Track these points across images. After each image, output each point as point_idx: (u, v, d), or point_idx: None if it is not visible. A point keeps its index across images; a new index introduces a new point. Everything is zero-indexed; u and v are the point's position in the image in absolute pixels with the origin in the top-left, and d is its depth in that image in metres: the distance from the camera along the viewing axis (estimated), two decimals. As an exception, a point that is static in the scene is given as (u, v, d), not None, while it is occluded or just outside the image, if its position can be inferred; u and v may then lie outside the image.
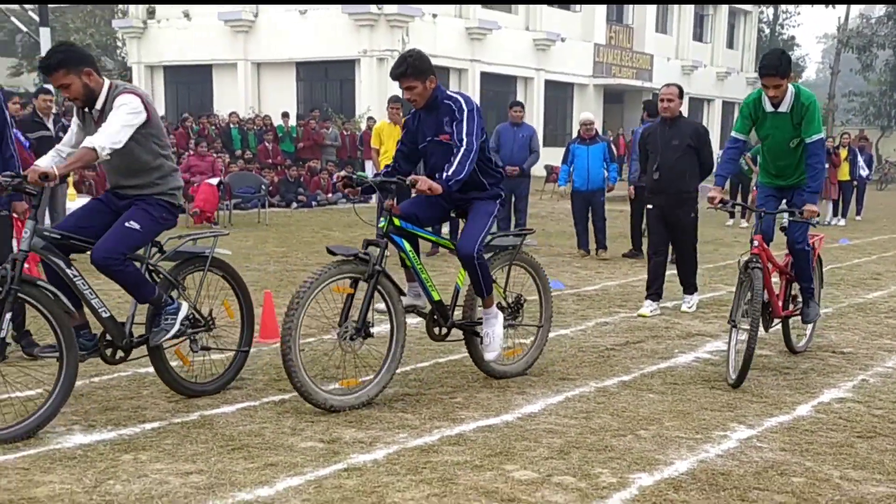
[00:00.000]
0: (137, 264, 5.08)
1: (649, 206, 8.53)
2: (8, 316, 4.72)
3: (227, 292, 5.73)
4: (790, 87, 6.26)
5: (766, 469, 4.38)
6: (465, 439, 4.74)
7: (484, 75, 30.69)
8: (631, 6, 37.94)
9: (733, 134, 6.70)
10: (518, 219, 12.82)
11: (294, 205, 19.10)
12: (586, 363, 6.48)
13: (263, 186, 16.24)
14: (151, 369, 5.39)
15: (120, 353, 5.12)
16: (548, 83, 33.59)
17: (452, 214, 5.97)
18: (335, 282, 5.16)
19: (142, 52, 30.17)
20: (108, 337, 5.04)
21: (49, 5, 22.33)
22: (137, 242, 5.05)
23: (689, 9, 41.22)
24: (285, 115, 23.02)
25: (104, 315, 4.96)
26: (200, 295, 5.44)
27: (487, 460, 4.42)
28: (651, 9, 38.59)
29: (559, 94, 34.72)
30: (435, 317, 5.75)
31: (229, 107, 25.70)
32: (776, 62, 6.10)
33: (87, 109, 5.04)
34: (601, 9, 35.64)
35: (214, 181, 14.52)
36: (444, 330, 5.79)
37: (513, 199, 12.74)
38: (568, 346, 7.03)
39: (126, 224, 4.97)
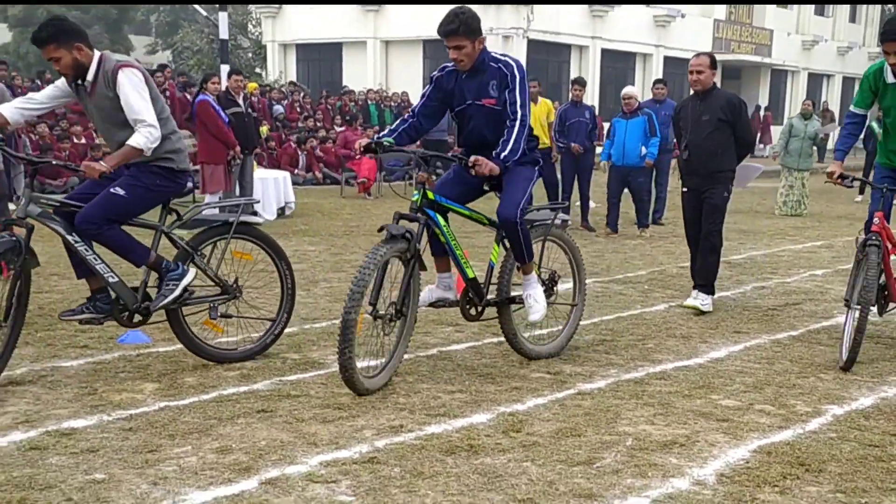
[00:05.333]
0: (150, 233, 5.18)
1: (684, 190, 7.63)
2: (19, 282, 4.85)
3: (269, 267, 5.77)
4: None
5: (942, 404, 5.06)
6: (668, 375, 5.53)
7: (604, 52, 31.12)
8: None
9: (851, 108, 6.40)
10: (659, 192, 13.45)
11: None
12: (754, 320, 7.17)
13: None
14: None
15: (137, 317, 5.17)
16: (666, 59, 33.77)
17: (486, 188, 5.58)
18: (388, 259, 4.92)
19: (276, 31, 31.56)
20: (121, 301, 5.10)
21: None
22: (122, 209, 4.97)
23: (812, -18, 40.67)
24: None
25: (111, 280, 5.02)
26: (221, 262, 5.47)
27: (694, 391, 5.20)
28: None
29: (677, 71, 34.73)
30: (469, 295, 5.51)
31: (358, 83, 26.84)
32: None
33: (79, 81, 5.01)
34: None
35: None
36: (479, 308, 5.56)
37: (654, 174, 13.41)
38: (732, 306, 7.72)
39: (111, 190, 4.95)
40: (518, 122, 5.12)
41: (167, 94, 16.07)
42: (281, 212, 12.96)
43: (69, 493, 3.56)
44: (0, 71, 14.19)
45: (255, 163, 12.24)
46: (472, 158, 5.07)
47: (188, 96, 16.29)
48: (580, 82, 12.69)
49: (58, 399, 4.74)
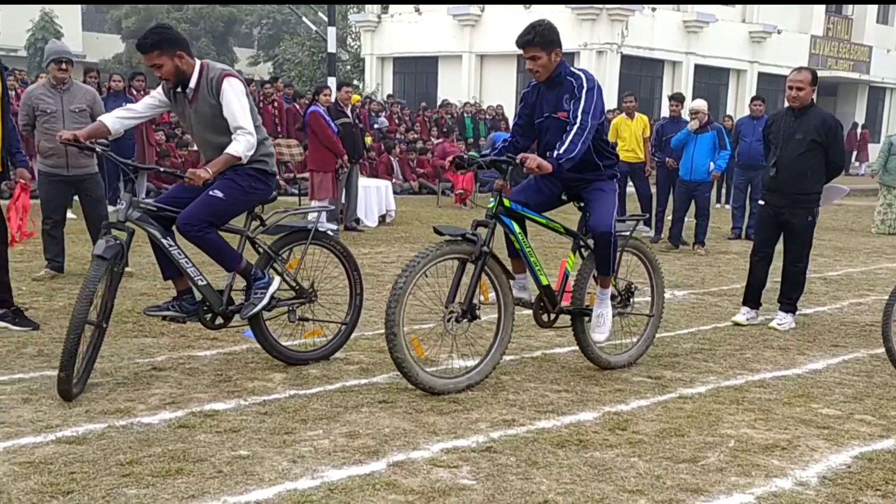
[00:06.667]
0: (236, 237, 5.32)
1: (761, 203, 7.61)
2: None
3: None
4: None
5: None
6: (767, 384, 5.69)
7: (697, 68, 30.99)
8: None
9: None
10: (753, 208, 13.47)
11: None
12: (851, 335, 7.25)
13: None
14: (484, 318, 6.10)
15: (219, 320, 5.33)
16: (761, 75, 33.43)
17: (564, 198, 5.63)
18: (442, 261, 5.09)
19: (374, 45, 32.33)
20: (207, 304, 5.26)
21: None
22: (221, 211, 5.13)
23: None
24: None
25: (200, 283, 5.15)
26: (301, 268, 5.63)
27: (794, 399, 5.36)
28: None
29: (771, 87, 34.40)
30: (542, 302, 5.59)
31: (452, 96, 27.31)
32: None
33: (178, 89, 5.18)
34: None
35: (471, 164, 15.97)
36: (552, 316, 5.65)
37: (749, 190, 13.47)
38: (829, 321, 7.81)
39: (210, 193, 5.08)
40: (577, 126, 5.11)
41: (275, 104, 16.68)
42: (382, 219, 13.38)
43: (219, 466, 3.94)
44: (138, 82, 14.77)
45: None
46: (521, 155, 5.11)
47: (297, 107, 16.90)
48: (678, 98, 12.83)
49: (197, 384, 5.17)
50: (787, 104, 7.39)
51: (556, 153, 5.09)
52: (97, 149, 5.13)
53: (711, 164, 11.53)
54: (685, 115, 12.44)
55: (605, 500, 3.80)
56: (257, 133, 5.27)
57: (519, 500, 3.75)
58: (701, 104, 11.74)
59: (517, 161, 5.09)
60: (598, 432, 4.62)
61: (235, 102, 5.07)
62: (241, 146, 5.04)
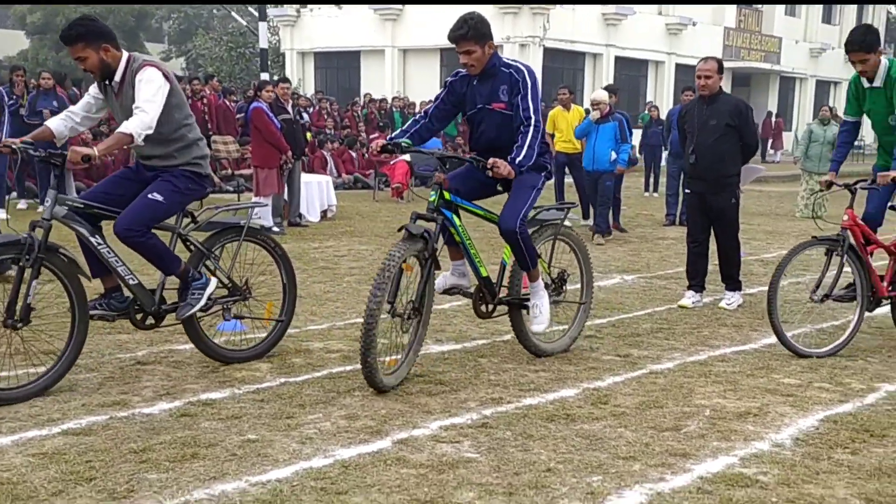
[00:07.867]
0: (167, 234, 5.18)
1: (687, 191, 7.89)
2: (34, 282, 4.70)
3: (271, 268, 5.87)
4: (883, 60, 6.34)
5: (985, 381, 5.53)
6: (728, 358, 6.00)
7: (618, 60, 31.68)
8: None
9: (843, 117, 6.85)
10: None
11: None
12: (796, 312, 7.57)
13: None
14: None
15: (150, 320, 5.19)
16: (678, 66, 34.32)
17: (500, 188, 5.52)
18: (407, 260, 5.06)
19: (294, 40, 32.16)
20: (138, 303, 5.12)
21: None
22: (160, 214, 5.03)
23: (819, -9, 41.25)
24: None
25: (131, 282, 5.01)
26: (235, 265, 5.59)
27: (756, 371, 5.68)
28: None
29: (688, 78, 35.25)
30: (481, 293, 5.61)
31: (376, 90, 27.35)
32: (860, 37, 6.25)
33: (106, 82, 5.04)
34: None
35: (407, 157, 15.98)
36: (491, 307, 5.67)
37: (682, 177, 13.88)
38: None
39: (149, 196, 4.96)
40: (532, 128, 5.15)
41: (204, 101, 16.54)
42: (324, 214, 13.43)
43: (232, 450, 4.04)
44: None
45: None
46: (490, 161, 5.07)
47: (227, 103, 16.77)
48: (612, 90, 13.16)
49: (186, 376, 5.24)
50: (697, 93, 7.67)
51: (517, 160, 5.11)
52: (13, 146, 4.86)
53: (613, 153, 11.56)
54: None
55: (603, 466, 4.01)
56: (192, 132, 5.19)
57: (523, 469, 3.94)
58: (602, 95, 11.70)
59: (488, 165, 5.07)
60: (581, 407, 4.84)
61: (145, 86, 4.88)
62: (134, 123, 4.79)
